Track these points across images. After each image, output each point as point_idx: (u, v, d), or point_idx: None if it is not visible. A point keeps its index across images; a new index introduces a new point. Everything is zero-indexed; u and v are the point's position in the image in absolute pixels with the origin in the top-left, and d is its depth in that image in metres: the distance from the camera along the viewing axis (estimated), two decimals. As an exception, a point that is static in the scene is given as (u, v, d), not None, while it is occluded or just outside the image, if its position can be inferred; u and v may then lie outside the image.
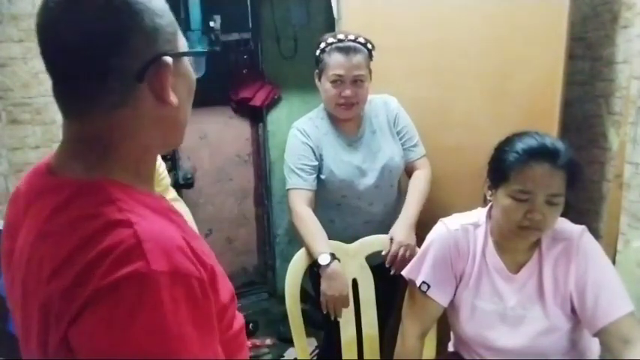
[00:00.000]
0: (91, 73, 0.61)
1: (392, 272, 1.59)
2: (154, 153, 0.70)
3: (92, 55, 0.60)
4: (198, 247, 0.62)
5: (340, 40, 1.60)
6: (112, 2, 0.59)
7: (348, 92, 1.60)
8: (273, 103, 3.03)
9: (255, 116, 3.10)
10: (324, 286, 1.52)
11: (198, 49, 2.21)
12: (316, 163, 1.68)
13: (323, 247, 1.56)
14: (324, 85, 1.63)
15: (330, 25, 2.38)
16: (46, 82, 1.90)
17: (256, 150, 3.19)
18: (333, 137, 1.70)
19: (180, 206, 1.67)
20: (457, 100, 1.83)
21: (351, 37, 1.60)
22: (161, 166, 1.63)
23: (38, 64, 1.83)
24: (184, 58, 0.68)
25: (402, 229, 1.63)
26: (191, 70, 0.70)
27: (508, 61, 1.75)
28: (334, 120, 1.71)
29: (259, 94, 2.91)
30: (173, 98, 0.64)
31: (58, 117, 2.17)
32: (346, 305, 1.55)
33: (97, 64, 0.60)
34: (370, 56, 1.63)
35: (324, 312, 1.56)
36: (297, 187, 1.67)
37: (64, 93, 0.64)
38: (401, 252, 1.58)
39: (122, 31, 0.60)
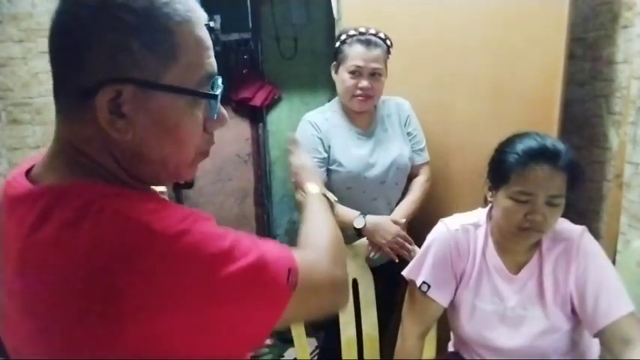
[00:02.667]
0: (56, 76, 0.59)
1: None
2: (132, 171, 0.63)
3: (55, 59, 0.59)
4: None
5: (361, 33, 1.62)
6: (81, 8, 0.56)
7: (365, 83, 1.61)
8: (273, 103, 3.02)
9: (255, 116, 3.10)
10: (380, 241, 1.60)
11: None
12: (325, 155, 1.69)
13: (349, 213, 1.64)
14: (342, 76, 1.65)
15: (330, 25, 2.38)
16: (46, 82, 1.90)
17: (256, 150, 3.19)
18: (344, 130, 1.71)
19: None
20: (457, 100, 1.83)
21: (372, 31, 1.63)
22: None
23: (38, 64, 1.83)
24: (169, 94, 0.59)
25: (397, 212, 1.70)
26: (179, 111, 0.60)
27: (508, 61, 1.75)
28: (347, 113, 1.73)
29: (259, 94, 2.91)
30: (116, 129, 0.57)
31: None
32: (409, 240, 1.60)
33: (58, 69, 0.59)
34: (388, 52, 1.65)
35: (396, 260, 1.62)
36: None
37: (54, 91, 0.62)
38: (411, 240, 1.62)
39: (78, 43, 0.56)
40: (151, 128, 0.59)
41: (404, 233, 1.61)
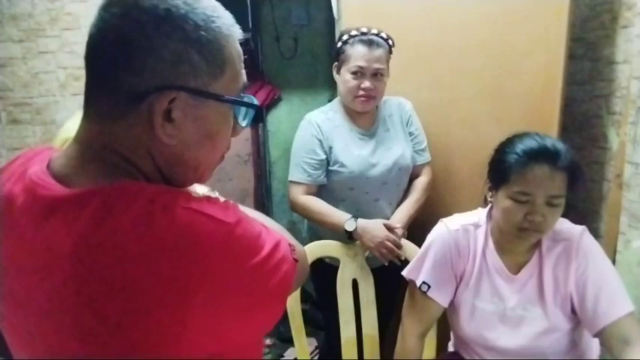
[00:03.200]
0: (98, 77, 0.60)
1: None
2: (162, 179, 0.66)
3: (103, 60, 0.60)
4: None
5: (363, 33, 1.61)
6: (144, 15, 0.58)
7: (367, 84, 1.61)
8: (273, 103, 3.03)
9: (255, 116, 3.10)
10: (369, 244, 1.60)
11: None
12: (324, 157, 1.68)
13: (340, 216, 1.64)
14: (344, 77, 1.64)
15: (330, 25, 2.38)
16: (46, 82, 1.90)
17: (256, 150, 3.19)
18: (346, 130, 1.71)
19: None
20: (457, 101, 1.83)
21: (374, 31, 1.62)
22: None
23: (38, 64, 1.83)
24: (215, 102, 0.63)
25: (398, 215, 1.69)
26: (222, 119, 0.65)
27: (508, 61, 1.75)
28: (349, 113, 1.72)
29: (259, 94, 2.90)
30: (166, 134, 0.60)
31: (58, 117, 2.17)
32: (398, 245, 1.59)
33: (106, 71, 0.60)
34: (390, 52, 1.65)
35: (386, 264, 1.62)
36: (299, 180, 1.70)
37: (88, 93, 0.63)
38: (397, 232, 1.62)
39: (138, 48, 0.58)
40: (195, 134, 0.63)
41: (393, 237, 1.60)
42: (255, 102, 0.69)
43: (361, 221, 1.62)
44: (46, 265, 0.59)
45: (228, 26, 0.64)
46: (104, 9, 0.60)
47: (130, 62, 0.58)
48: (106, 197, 0.58)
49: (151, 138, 0.61)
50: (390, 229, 1.62)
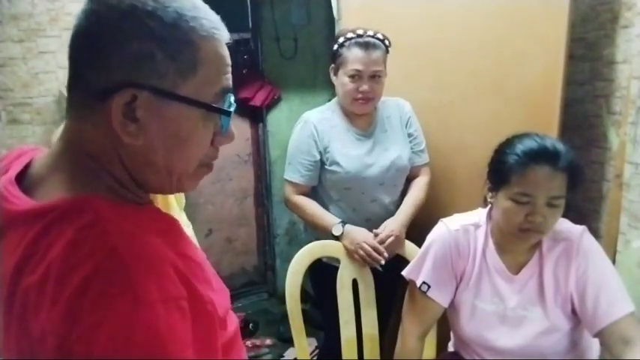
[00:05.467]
0: (73, 74, 0.60)
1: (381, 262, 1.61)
2: (136, 183, 0.64)
3: (75, 57, 0.59)
4: (187, 269, 0.60)
5: (360, 36, 1.60)
6: (108, 11, 0.57)
7: (365, 87, 1.60)
8: (273, 103, 3.03)
9: (255, 116, 3.10)
10: (349, 247, 1.60)
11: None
12: (318, 158, 1.68)
13: (330, 220, 1.65)
14: (342, 80, 1.64)
15: (330, 25, 2.38)
16: (46, 82, 1.90)
17: (256, 150, 3.19)
18: (343, 130, 1.71)
19: (188, 232, 1.64)
20: (457, 101, 1.83)
21: (370, 32, 1.61)
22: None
23: (38, 64, 1.83)
24: (182, 105, 0.60)
25: (395, 221, 1.67)
26: (191, 123, 0.61)
27: (508, 61, 1.75)
28: (347, 114, 1.72)
29: (259, 94, 2.91)
30: (128, 133, 0.58)
31: (58, 117, 2.16)
32: (379, 250, 1.59)
33: (77, 68, 0.59)
34: (387, 52, 1.65)
35: (369, 267, 1.61)
36: (293, 180, 1.71)
37: (68, 91, 0.62)
38: (389, 240, 1.61)
39: (102, 44, 0.57)
40: (161, 136, 0.60)
41: (373, 242, 1.60)
42: (231, 109, 0.64)
43: (348, 227, 1.63)
44: (1, 282, 0.59)
45: (208, 28, 0.60)
46: (82, 9, 0.59)
47: (95, 59, 0.57)
48: (59, 214, 0.57)
49: (116, 140, 0.59)
50: (375, 235, 1.62)
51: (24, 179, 0.64)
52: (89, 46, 0.58)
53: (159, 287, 0.54)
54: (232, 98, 0.65)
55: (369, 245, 1.59)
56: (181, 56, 0.58)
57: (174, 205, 1.53)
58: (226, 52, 0.64)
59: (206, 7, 0.63)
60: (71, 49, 0.60)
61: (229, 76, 0.65)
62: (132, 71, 0.57)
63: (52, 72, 1.84)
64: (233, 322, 0.73)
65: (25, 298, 0.55)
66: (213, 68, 0.62)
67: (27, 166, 0.66)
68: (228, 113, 0.64)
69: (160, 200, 1.38)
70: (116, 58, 0.57)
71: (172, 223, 0.67)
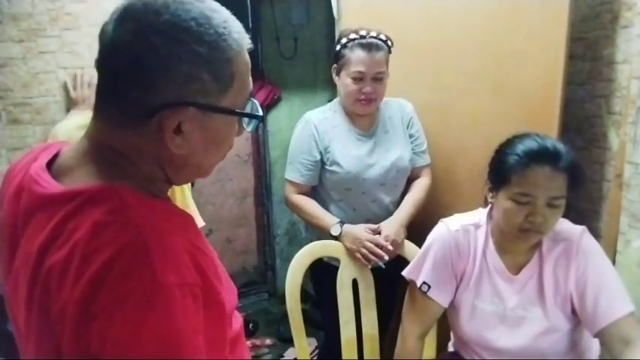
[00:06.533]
0: (111, 87, 0.63)
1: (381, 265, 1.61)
2: (165, 178, 0.69)
3: (117, 74, 0.62)
4: (202, 261, 0.63)
5: (362, 37, 1.60)
6: (157, 38, 0.59)
7: (368, 89, 1.60)
8: (273, 103, 3.03)
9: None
10: (350, 246, 1.60)
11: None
12: (318, 158, 1.68)
13: (329, 220, 1.66)
14: (344, 81, 1.63)
15: (330, 25, 2.38)
16: (46, 82, 1.90)
17: (256, 150, 3.19)
18: (344, 131, 1.70)
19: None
20: (457, 101, 1.83)
21: (373, 33, 1.61)
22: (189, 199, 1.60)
23: (38, 64, 1.83)
24: (223, 115, 0.66)
25: (391, 224, 1.66)
26: (228, 128, 0.68)
27: (508, 61, 1.75)
28: (348, 114, 1.72)
29: (259, 94, 2.91)
30: (175, 145, 0.63)
31: (58, 117, 2.16)
32: (381, 244, 1.59)
33: (117, 83, 0.62)
34: (389, 52, 1.64)
35: (369, 267, 1.61)
36: (293, 179, 1.71)
37: (99, 98, 0.65)
38: (386, 244, 1.60)
39: (151, 68, 0.60)
40: (202, 143, 0.66)
41: (375, 238, 1.60)
42: (259, 111, 0.71)
43: (347, 226, 1.63)
44: (25, 262, 0.62)
45: (239, 40, 0.65)
46: (119, 23, 0.61)
47: (142, 80, 0.60)
48: (87, 198, 0.60)
49: (159, 148, 0.64)
50: (374, 232, 1.62)
51: (52, 169, 0.67)
52: (136, 66, 0.60)
53: (176, 272, 0.58)
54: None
55: (371, 242, 1.59)
56: (222, 74, 0.63)
57: (187, 193, 1.59)
58: (248, 58, 0.68)
59: (232, 18, 0.67)
60: (107, 61, 0.63)
61: (250, 78, 0.70)
62: (181, 92, 0.61)
63: (52, 72, 1.83)
64: (238, 320, 0.76)
65: (48, 277, 0.58)
66: (244, 77, 0.67)
67: (54, 157, 0.68)
68: (258, 117, 0.70)
69: (177, 189, 1.45)
70: (165, 81, 0.60)
71: (189, 219, 0.70)
